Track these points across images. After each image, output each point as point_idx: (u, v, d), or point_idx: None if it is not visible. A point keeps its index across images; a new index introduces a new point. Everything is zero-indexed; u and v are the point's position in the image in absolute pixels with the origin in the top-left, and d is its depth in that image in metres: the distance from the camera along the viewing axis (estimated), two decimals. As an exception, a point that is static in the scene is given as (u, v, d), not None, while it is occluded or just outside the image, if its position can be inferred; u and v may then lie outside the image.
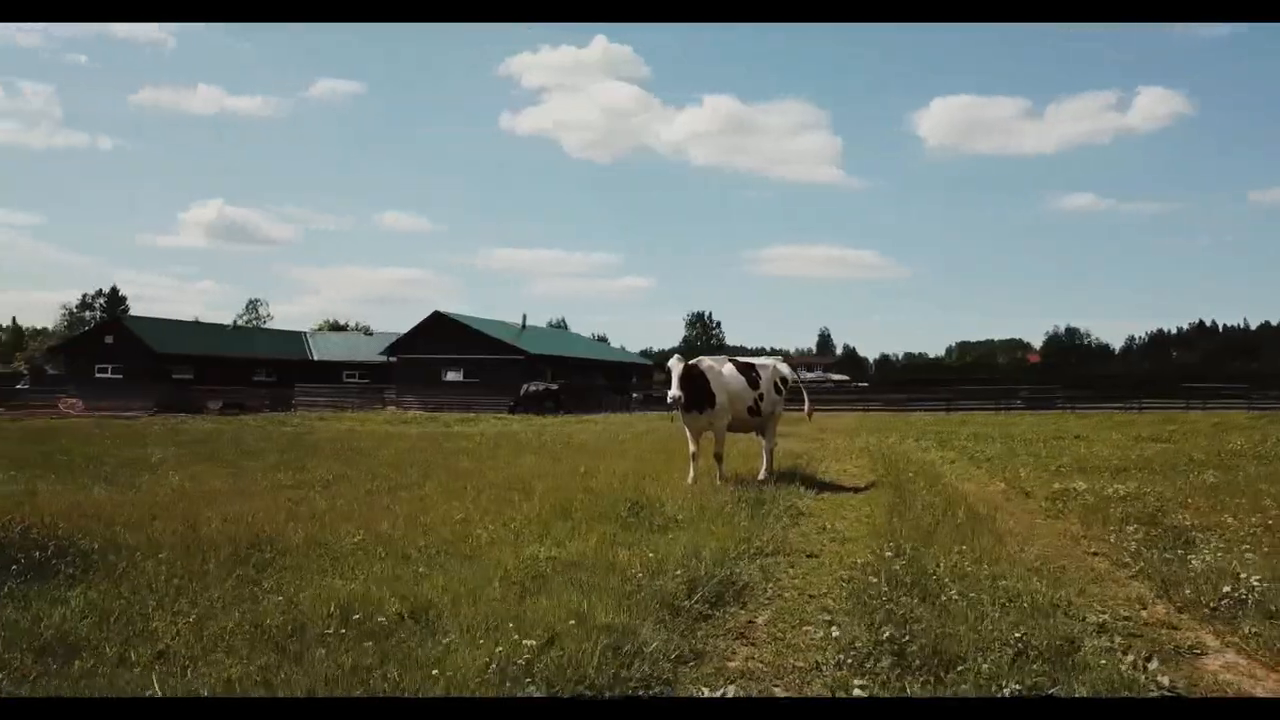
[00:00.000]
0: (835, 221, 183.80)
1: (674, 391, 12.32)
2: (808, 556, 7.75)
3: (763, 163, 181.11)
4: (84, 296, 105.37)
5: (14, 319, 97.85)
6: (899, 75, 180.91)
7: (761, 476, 13.52)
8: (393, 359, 50.40)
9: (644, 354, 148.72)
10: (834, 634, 4.82)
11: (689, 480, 12.48)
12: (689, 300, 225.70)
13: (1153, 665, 4.21)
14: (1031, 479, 13.15)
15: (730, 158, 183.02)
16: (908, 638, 4.39)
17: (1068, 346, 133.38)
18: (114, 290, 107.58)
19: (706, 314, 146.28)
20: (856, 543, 8.29)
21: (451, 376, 47.62)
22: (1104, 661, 4.13)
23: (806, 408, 16.19)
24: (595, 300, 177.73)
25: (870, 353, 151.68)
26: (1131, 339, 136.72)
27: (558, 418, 38.08)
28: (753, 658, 4.68)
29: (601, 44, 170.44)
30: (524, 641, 4.02)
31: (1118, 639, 4.82)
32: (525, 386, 42.74)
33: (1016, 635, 4.43)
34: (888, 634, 4.42)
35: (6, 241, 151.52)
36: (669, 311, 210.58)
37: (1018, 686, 3.74)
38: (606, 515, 8.82)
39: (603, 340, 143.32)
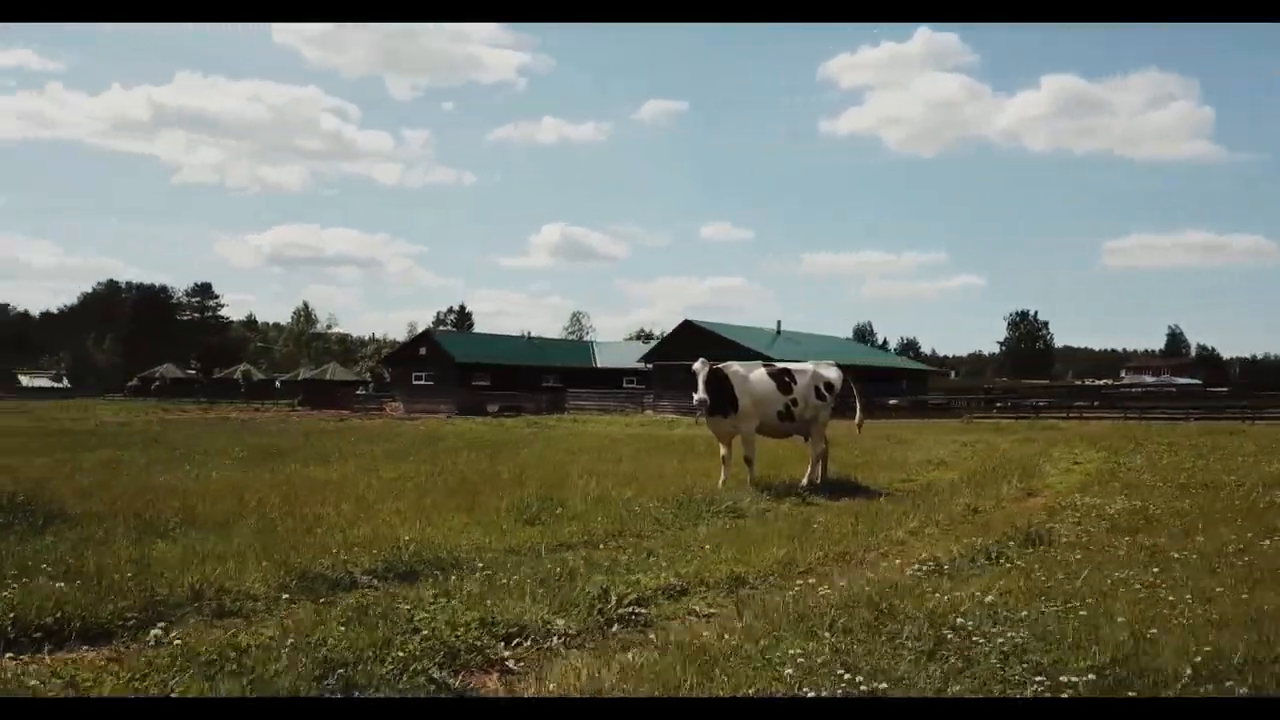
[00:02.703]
0: (1207, 203, 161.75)
1: (699, 394, 12.79)
2: (633, 554, 8.20)
3: (1112, 143, 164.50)
4: (437, 314, 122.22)
5: (372, 334, 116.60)
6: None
7: (804, 482, 13.53)
8: (649, 366, 53.23)
9: (946, 359, 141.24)
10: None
11: (719, 483, 12.91)
12: (1023, 299, 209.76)
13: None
14: (1090, 494, 12.01)
15: (1072, 141, 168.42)
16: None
17: None
18: (462, 308, 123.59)
19: (1031, 313, 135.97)
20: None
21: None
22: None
23: (857, 418, 15.69)
24: (921, 302, 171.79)
25: (1244, 353, 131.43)
26: None
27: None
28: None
29: (924, 36, 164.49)
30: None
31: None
32: (763, 393, 43.26)
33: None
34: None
35: (399, 270, 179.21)
36: (1000, 312, 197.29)
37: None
38: (510, 508, 9.79)
39: (911, 345, 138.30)
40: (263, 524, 8.72)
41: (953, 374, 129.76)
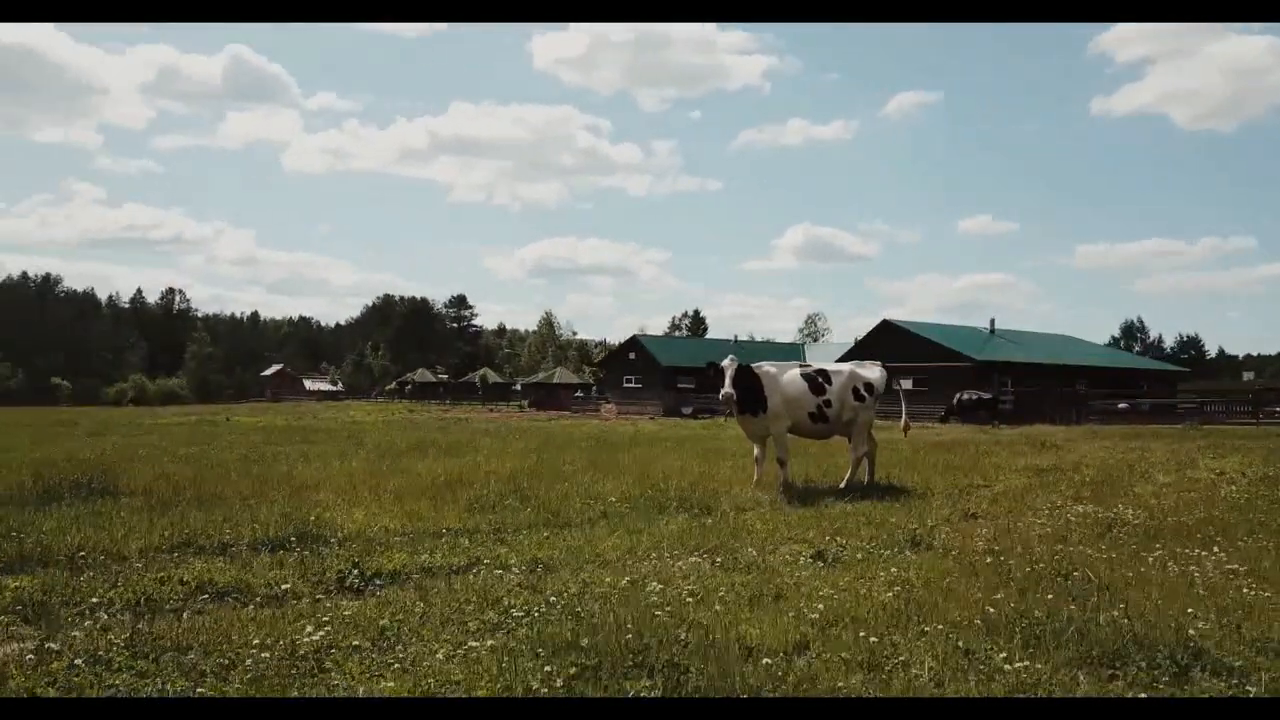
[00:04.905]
0: None
1: (726, 389, 12.96)
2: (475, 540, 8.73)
3: None
4: (673, 318, 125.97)
5: (604, 339, 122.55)
6: None
7: (843, 485, 13.29)
8: (846, 367, 52.08)
9: (1247, 359, 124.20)
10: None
11: (752, 484, 13.04)
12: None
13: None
14: (1123, 503, 11.05)
15: None
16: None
17: None
18: (696, 312, 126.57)
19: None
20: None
21: (904, 384, 47.61)
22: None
23: (903, 421, 14.97)
24: (1218, 294, 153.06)
25: None
26: None
27: (989, 428, 35.83)
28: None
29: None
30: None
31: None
32: (959, 395, 41.11)
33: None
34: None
35: (649, 277, 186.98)
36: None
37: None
38: (470, 499, 10.64)
39: (1192, 343, 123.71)
40: (257, 504, 10.16)
41: (1247, 375, 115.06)
